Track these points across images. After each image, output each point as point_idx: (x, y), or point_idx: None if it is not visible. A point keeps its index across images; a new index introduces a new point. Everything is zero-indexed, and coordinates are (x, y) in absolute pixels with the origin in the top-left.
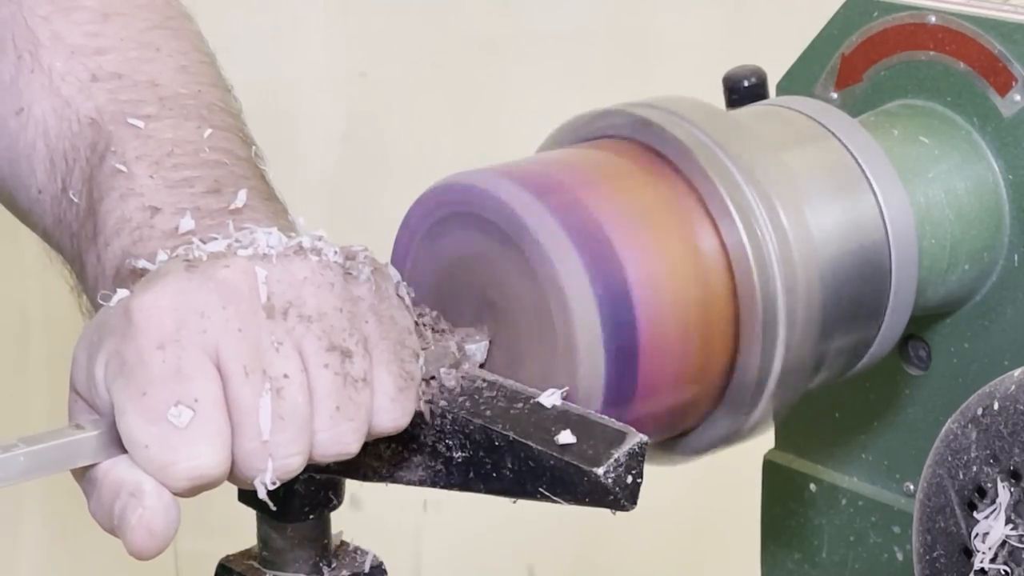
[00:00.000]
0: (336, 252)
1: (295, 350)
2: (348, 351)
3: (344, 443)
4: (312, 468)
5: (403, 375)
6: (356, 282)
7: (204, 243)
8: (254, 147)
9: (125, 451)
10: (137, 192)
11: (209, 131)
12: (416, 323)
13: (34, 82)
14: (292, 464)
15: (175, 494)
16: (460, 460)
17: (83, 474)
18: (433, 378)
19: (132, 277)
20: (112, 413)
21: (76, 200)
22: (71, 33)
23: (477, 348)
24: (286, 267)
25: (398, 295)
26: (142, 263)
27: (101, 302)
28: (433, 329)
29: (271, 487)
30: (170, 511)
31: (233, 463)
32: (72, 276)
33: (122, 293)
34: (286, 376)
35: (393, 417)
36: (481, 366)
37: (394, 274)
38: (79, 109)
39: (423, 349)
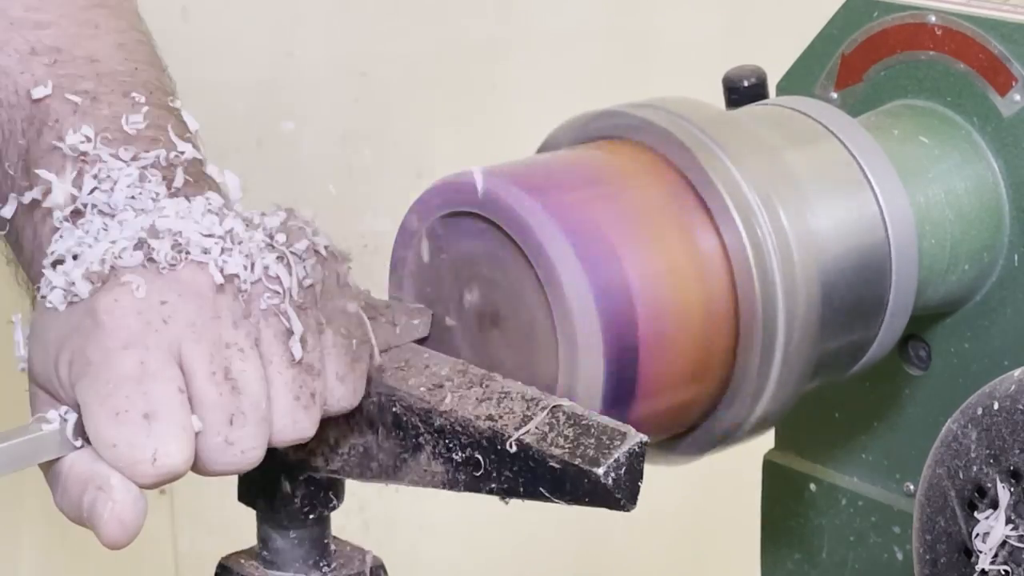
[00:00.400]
0: (286, 238)
1: (253, 345)
2: (303, 341)
3: (301, 429)
4: (311, 468)
5: (353, 357)
6: (307, 269)
7: (160, 236)
8: (186, 122)
9: (88, 442)
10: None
11: (146, 109)
12: (363, 305)
13: None
14: (252, 457)
15: (140, 487)
16: (460, 460)
17: (48, 467)
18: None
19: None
20: (75, 407)
21: (12, 173)
22: (11, 5)
23: (421, 323)
24: (242, 260)
25: (346, 280)
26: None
27: (38, 290)
28: (378, 311)
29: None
30: (139, 502)
31: (196, 457)
32: (7, 248)
33: (56, 279)
34: (245, 372)
35: (345, 396)
36: (424, 340)
37: (340, 253)
38: (17, 81)
39: (370, 319)
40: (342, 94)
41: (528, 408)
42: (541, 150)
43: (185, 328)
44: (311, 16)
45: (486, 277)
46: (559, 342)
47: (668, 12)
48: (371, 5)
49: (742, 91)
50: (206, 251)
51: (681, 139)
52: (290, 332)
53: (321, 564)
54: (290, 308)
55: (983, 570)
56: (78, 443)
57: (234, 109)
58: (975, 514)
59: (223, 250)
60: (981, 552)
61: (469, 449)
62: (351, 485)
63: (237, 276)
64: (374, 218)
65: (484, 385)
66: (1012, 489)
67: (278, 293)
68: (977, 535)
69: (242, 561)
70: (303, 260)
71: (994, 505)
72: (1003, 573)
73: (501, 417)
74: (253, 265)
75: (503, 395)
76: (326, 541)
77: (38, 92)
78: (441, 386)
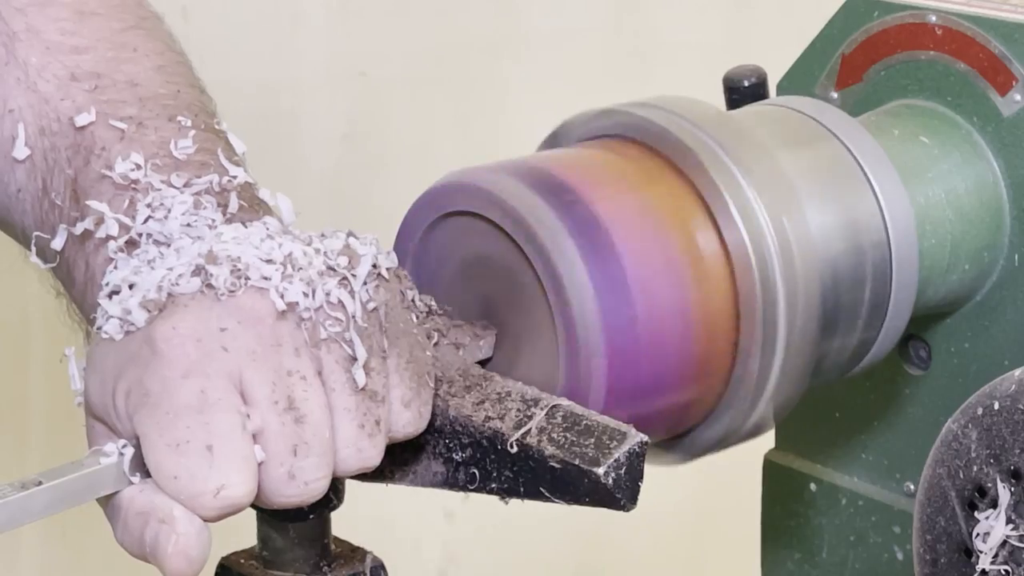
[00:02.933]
0: (347, 261)
1: (316, 373)
2: (367, 367)
3: (366, 458)
4: None
5: (418, 382)
6: (369, 292)
7: (219, 262)
8: (234, 144)
9: (148, 475)
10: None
11: (193, 133)
12: (428, 329)
13: (9, 76)
14: (317, 488)
15: (204, 520)
16: (461, 461)
17: (107, 501)
18: (452, 382)
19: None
20: (133, 439)
21: (59, 203)
22: (47, 29)
23: (485, 343)
24: (302, 287)
25: (411, 300)
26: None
27: (92, 321)
28: (441, 332)
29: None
30: (203, 533)
31: (259, 489)
32: (56, 281)
33: (112, 309)
34: (308, 401)
35: (411, 422)
36: (487, 361)
37: (405, 276)
38: (58, 108)
39: (435, 344)
40: (342, 94)
41: (528, 408)
42: (541, 149)
43: (246, 356)
44: (311, 16)
45: (486, 276)
46: (559, 342)
47: (668, 12)
48: (371, 5)
49: (742, 91)
50: (266, 277)
51: (682, 139)
52: (353, 358)
53: (321, 564)
54: (353, 334)
55: (983, 570)
56: (136, 477)
57: (234, 109)
58: (975, 514)
59: (283, 276)
60: (981, 552)
61: (469, 449)
62: (351, 485)
63: (297, 303)
64: (374, 218)
65: (484, 385)
66: (1012, 489)
67: (340, 320)
68: (977, 535)
69: (242, 561)
70: (366, 284)
71: (994, 505)
72: (1003, 573)
73: (501, 417)
74: (314, 291)
75: (503, 395)
76: (326, 541)
77: (81, 119)
78: (441, 386)
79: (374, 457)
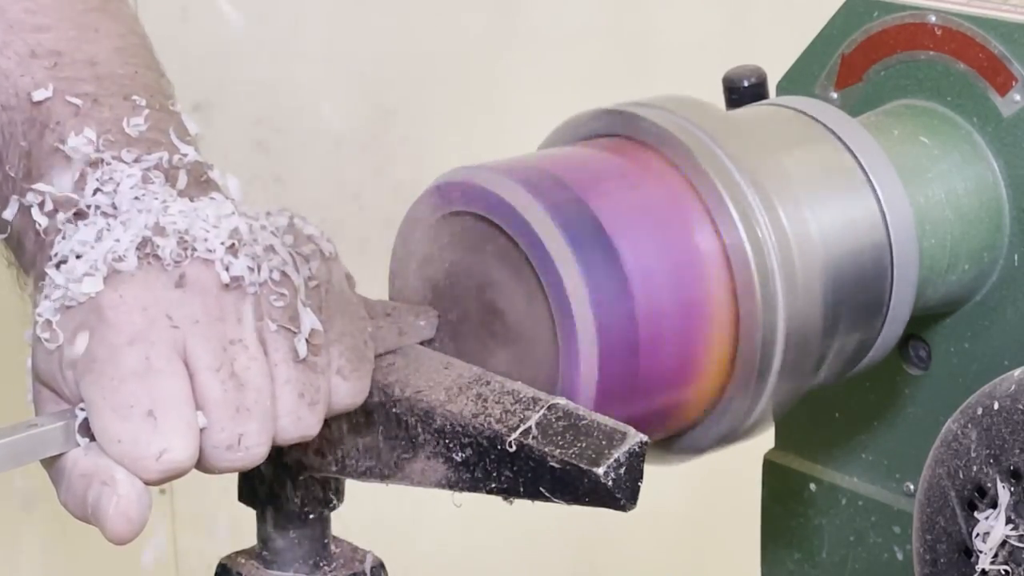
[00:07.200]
0: (293, 239)
1: (258, 343)
2: (308, 340)
3: (305, 426)
4: (311, 468)
5: (358, 356)
6: (312, 269)
7: (166, 234)
8: (187, 126)
9: (92, 439)
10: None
11: (147, 112)
12: (366, 304)
13: None
14: (257, 453)
15: (146, 483)
16: (460, 460)
17: (52, 463)
18: (450, 383)
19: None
20: (80, 404)
21: (13, 175)
22: (11, 8)
23: (427, 324)
24: (248, 261)
25: (348, 279)
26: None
27: (41, 290)
28: (382, 313)
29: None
30: (143, 496)
31: (201, 454)
32: (8, 252)
33: (59, 279)
34: (250, 369)
35: (350, 393)
36: (431, 341)
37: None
38: (16, 83)
39: (377, 324)
40: (342, 94)
41: (528, 408)
42: (541, 149)
43: (190, 325)
44: (311, 16)
45: (486, 275)
46: (559, 341)
47: (668, 12)
48: (371, 5)
49: (742, 91)
50: (211, 250)
51: (681, 139)
52: (295, 331)
53: (321, 564)
54: (296, 307)
55: (983, 570)
56: (82, 439)
57: (234, 109)
58: (975, 514)
59: (229, 250)
60: (981, 552)
61: (469, 449)
62: (351, 485)
63: (243, 277)
64: (374, 218)
65: (483, 385)
66: (1012, 489)
67: (284, 295)
68: (977, 535)
69: (242, 561)
70: (308, 261)
71: (994, 505)
72: (1003, 573)
73: (501, 417)
74: (260, 266)
75: (502, 395)
76: (326, 541)
77: (39, 95)
78: (441, 386)
79: (313, 426)
